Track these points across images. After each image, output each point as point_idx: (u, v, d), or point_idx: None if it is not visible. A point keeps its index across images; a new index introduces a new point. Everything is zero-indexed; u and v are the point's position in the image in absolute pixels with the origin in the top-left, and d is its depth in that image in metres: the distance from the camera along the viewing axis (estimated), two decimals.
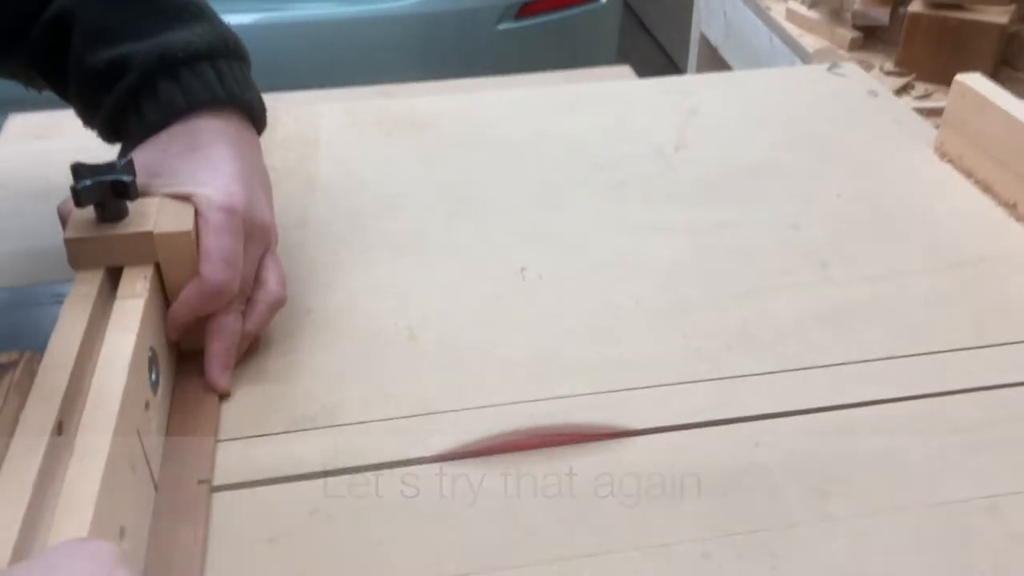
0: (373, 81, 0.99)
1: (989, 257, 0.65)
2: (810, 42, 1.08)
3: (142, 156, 0.55)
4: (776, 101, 0.87)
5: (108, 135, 0.61)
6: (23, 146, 0.82)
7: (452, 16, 1.97)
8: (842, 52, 1.04)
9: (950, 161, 0.76)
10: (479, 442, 0.50)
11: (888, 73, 0.96)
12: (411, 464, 0.49)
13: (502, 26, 2.00)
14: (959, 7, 0.98)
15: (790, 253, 0.65)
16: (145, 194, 0.53)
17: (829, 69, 0.93)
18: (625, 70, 1.06)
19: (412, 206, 0.71)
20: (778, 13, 1.17)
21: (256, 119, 0.62)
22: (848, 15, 1.08)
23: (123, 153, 0.59)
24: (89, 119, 0.62)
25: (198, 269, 0.52)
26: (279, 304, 0.57)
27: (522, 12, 2.02)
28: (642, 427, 0.51)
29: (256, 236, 0.55)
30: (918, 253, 0.65)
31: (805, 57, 1.06)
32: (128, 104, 0.58)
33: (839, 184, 0.74)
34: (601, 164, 0.77)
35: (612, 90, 0.90)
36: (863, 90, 0.89)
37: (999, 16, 1.03)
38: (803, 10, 1.13)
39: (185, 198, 0.54)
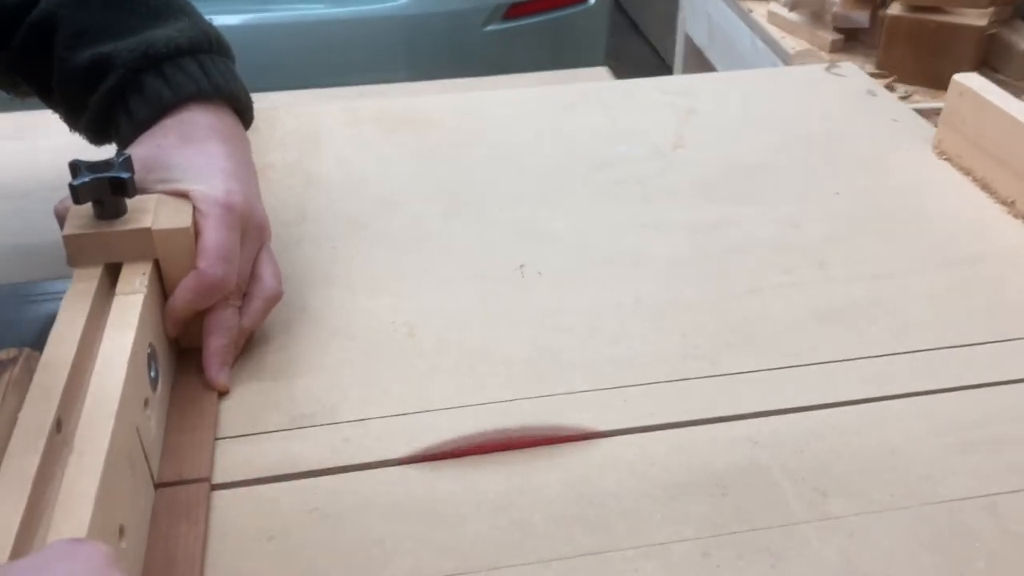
0: (361, 83, 0.99)
1: (988, 255, 0.65)
2: (791, 44, 1.09)
3: (136, 151, 0.55)
4: (775, 101, 0.87)
5: (95, 137, 0.61)
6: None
7: (440, 17, 1.97)
8: (823, 54, 1.05)
9: (948, 160, 0.76)
10: (453, 441, 0.50)
11: (870, 75, 0.97)
12: (411, 463, 0.49)
13: (489, 27, 2.00)
14: (938, 10, 0.98)
15: (789, 252, 0.65)
16: (141, 189, 0.53)
17: (828, 69, 0.94)
18: (602, 71, 1.06)
19: (411, 204, 0.71)
20: (760, 15, 1.17)
21: (243, 113, 0.62)
22: (829, 17, 1.08)
23: (118, 153, 0.59)
24: (74, 122, 0.61)
25: (195, 264, 0.52)
26: (275, 299, 0.57)
27: (509, 13, 2.02)
28: (642, 425, 0.51)
29: (251, 232, 0.55)
30: (917, 251, 0.65)
31: (786, 59, 1.06)
32: (115, 103, 0.58)
33: (838, 183, 0.74)
34: (600, 163, 0.77)
35: (611, 90, 0.90)
36: (862, 90, 0.89)
37: (978, 19, 1.03)
38: (784, 12, 1.13)
39: (182, 194, 0.54)
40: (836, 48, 1.07)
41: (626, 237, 0.67)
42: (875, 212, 0.70)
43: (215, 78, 0.59)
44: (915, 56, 0.97)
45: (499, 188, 0.73)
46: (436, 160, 0.77)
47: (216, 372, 0.53)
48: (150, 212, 0.52)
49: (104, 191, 0.50)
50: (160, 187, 0.54)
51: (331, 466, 0.49)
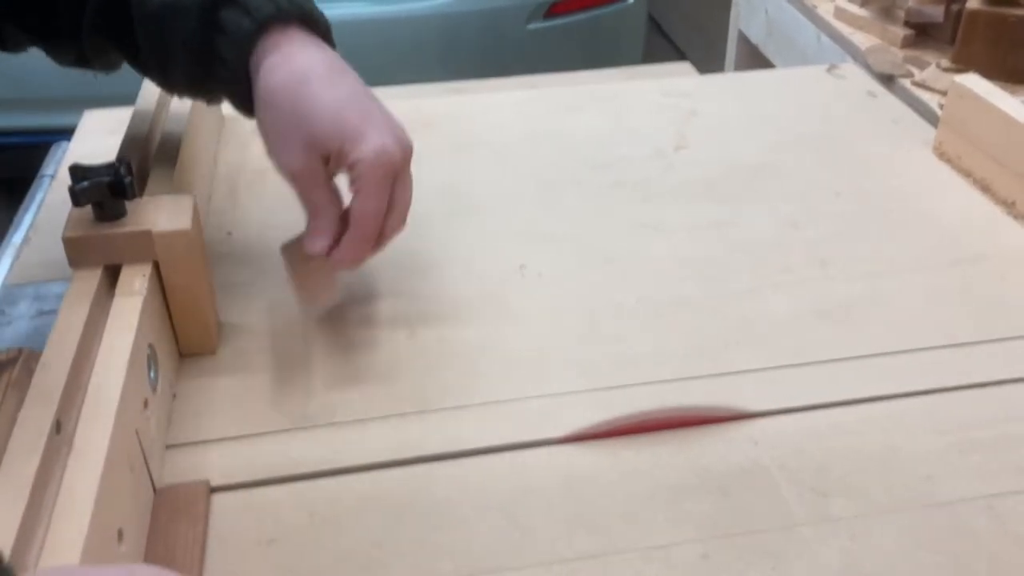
0: (403, 81, 0.98)
1: (988, 255, 0.65)
2: (861, 40, 1.07)
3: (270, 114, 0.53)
4: (776, 101, 0.87)
5: (197, 94, 0.58)
6: (99, 141, 0.82)
7: (482, 16, 1.97)
8: (895, 49, 1.03)
9: (948, 161, 0.76)
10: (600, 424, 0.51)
11: (945, 69, 0.96)
12: (411, 463, 0.49)
13: (532, 26, 2.00)
14: (1018, 3, 0.97)
15: (789, 251, 0.65)
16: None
17: (828, 70, 0.94)
18: (687, 67, 1.05)
19: (412, 204, 0.71)
20: (826, 11, 1.16)
21: (325, 35, 0.57)
22: (900, 12, 1.08)
23: (119, 156, 0.57)
24: (167, 81, 0.57)
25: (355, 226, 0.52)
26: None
27: (551, 11, 2.02)
28: (642, 425, 0.51)
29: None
30: (917, 251, 0.65)
31: (857, 54, 1.05)
32: (202, 50, 0.53)
33: (838, 183, 0.74)
34: (601, 164, 0.77)
35: (612, 91, 0.90)
36: (862, 90, 0.89)
37: None
38: (853, 8, 1.12)
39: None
40: (908, 43, 1.06)
41: (627, 237, 0.67)
42: (875, 212, 0.70)
43: None
44: (992, 51, 0.96)
45: (500, 189, 0.73)
46: (437, 161, 0.77)
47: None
48: (150, 214, 0.52)
49: (104, 194, 0.50)
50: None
51: (331, 468, 0.49)
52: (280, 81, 0.52)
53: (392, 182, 0.53)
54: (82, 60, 0.59)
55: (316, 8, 0.56)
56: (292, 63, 0.52)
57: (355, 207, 0.53)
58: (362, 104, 0.53)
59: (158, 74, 0.57)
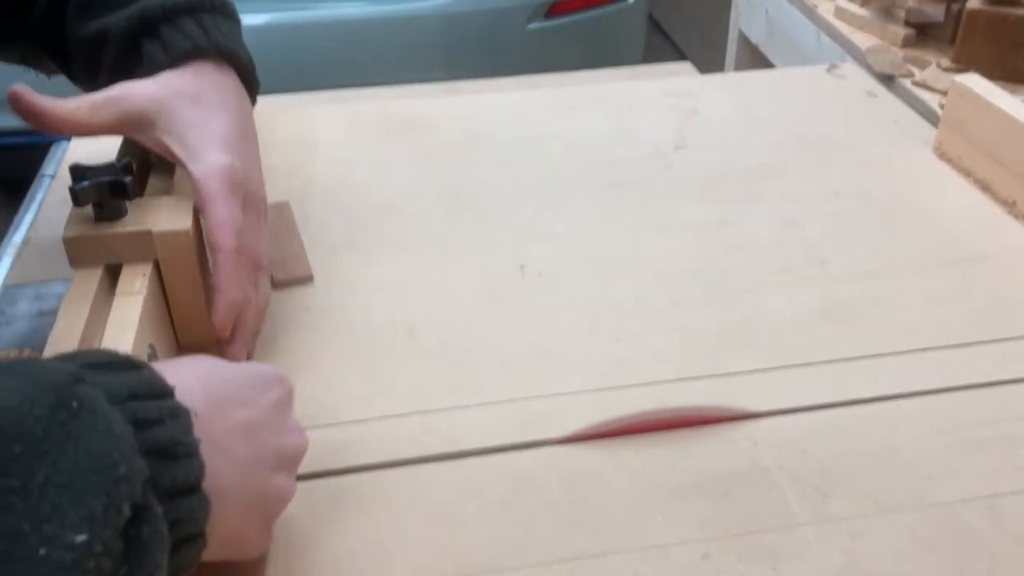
0: (403, 81, 0.99)
1: (988, 254, 0.65)
2: (861, 39, 1.08)
3: (150, 89, 0.54)
4: (776, 102, 0.87)
5: None
6: (99, 141, 0.82)
7: (482, 16, 1.97)
8: (895, 49, 1.04)
9: (949, 161, 0.76)
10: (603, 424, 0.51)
11: (945, 69, 0.96)
12: (411, 463, 0.49)
13: (532, 25, 2.01)
14: (1018, 3, 0.97)
15: (789, 251, 0.65)
16: (144, 121, 0.52)
17: (828, 70, 0.94)
18: (687, 67, 1.06)
19: (411, 205, 0.71)
20: (826, 11, 1.16)
21: (246, 74, 0.60)
22: (900, 12, 1.08)
23: (118, 157, 0.59)
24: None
25: (212, 240, 0.51)
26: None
27: (551, 11, 2.03)
28: (642, 425, 0.51)
29: (251, 206, 0.54)
30: (917, 251, 0.65)
31: (857, 54, 1.05)
32: (120, 76, 0.56)
33: (838, 183, 0.74)
34: (601, 164, 0.77)
35: (612, 91, 0.90)
36: (862, 91, 0.89)
37: None
38: (853, 8, 1.12)
39: (178, 160, 0.53)
40: (908, 43, 1.07)
41: (627, 237, 0.67)
42: (875, 212, 0.70)
43: (215, 36, 0.57)
44: (993, 51, 0.97)
45: (500, 189, 0.73)
46: (437, 161, 0.77)
47: (239, 350, 0.53)
48: (150, 214, 0.52)
49: (104, 194, 0.50)
50: (164, 137, 0.53)
51: (332, 467, 0.49)
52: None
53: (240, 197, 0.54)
54: (25, 62, 0.63)
55: (238, 45, 0.59)
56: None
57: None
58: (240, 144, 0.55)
59: (87, 91, 0.60)
